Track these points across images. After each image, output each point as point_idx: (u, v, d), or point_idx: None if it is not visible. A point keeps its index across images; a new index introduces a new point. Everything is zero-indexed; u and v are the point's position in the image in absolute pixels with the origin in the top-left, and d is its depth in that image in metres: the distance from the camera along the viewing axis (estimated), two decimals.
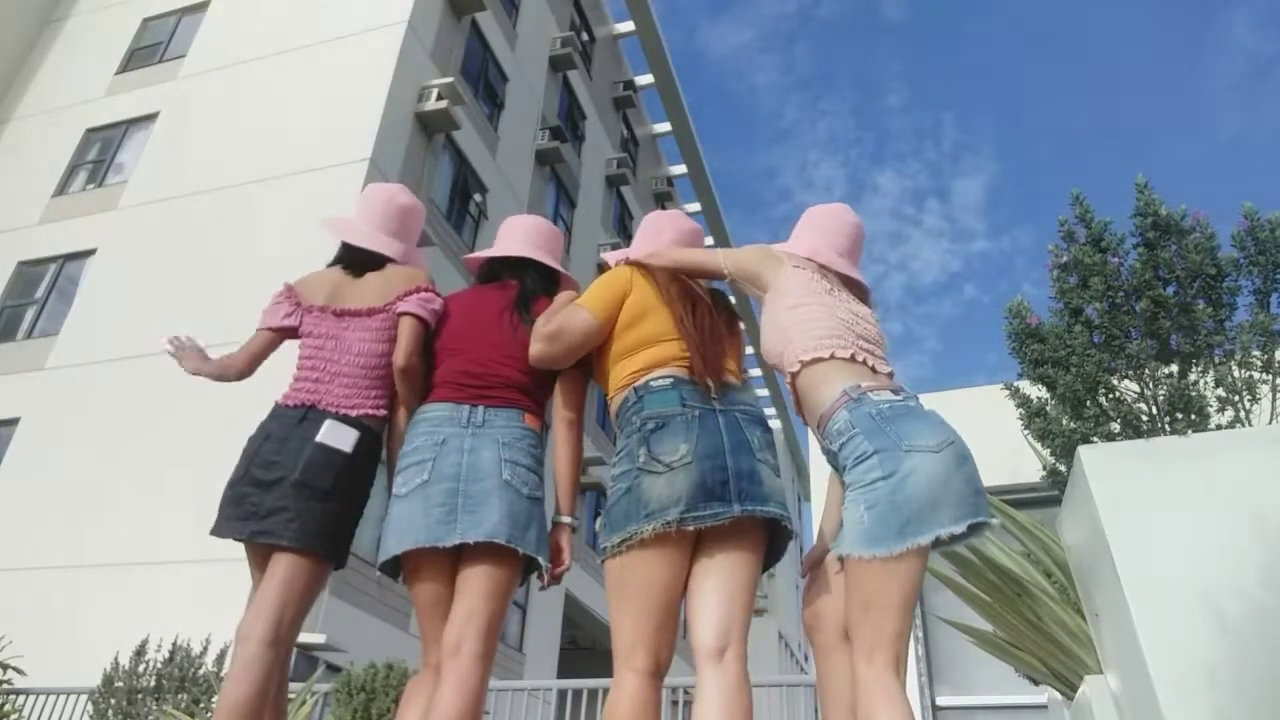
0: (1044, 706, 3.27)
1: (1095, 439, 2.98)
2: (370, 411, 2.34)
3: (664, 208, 26.03)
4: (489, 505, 2.06)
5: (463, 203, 14.60)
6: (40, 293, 13.19)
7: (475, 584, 2.10)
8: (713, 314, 2.18)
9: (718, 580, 1.85)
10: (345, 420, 2.29)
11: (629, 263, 2.32)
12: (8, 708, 7.26)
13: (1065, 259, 3.10)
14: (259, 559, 2.26)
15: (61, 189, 14.35)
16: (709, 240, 28.84)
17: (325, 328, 2.46)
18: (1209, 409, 2.84)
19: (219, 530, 2.25)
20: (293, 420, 2.32)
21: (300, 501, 2.17)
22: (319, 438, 2.23)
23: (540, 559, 2.12)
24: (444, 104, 13.28)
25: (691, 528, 1.82)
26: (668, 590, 1.85)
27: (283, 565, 2.17)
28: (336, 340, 2.42)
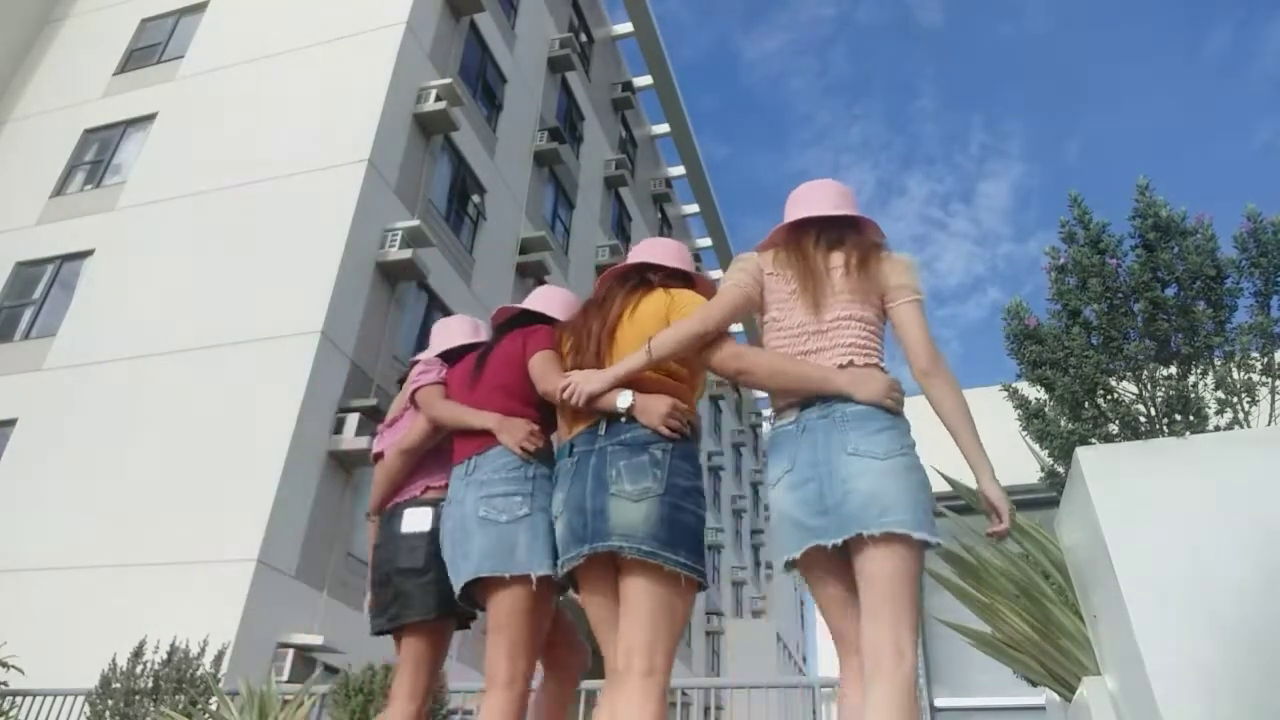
0: (1042, 708, 3.27)
1: (1093, 440, 2.98)
2: (432, 484, 2.64)
3: (662, 209, 26.12)
4: (471, 543, 2.28)
5: (461, 204, 14.60)
6: (38, 293, 13.17)
7: (490, 616, 2.37)
8: (601, 342, 2.32)
9: (622, 608, 2.08)
10: (419, 503, 2.61)
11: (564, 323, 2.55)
12: (6, 708, 7.25)
13: (1063, 260, 3.10)
14: (399, 644, 2.65)
15: (59, 189, 14.34)
16: (706, 241, 28.86)
17: (385, 443, 2.83)
18: (1208, 411, 2.84)
19: (373, 630, 2.68)
20: (386, 521, 2.67)
21: (407, 583, 2.53)
22: (402, 530, 2.58)
23: (538, 572, 2.23)
24: (442, 105, 13.28)
25: (565, 570, 2.16)
26: (594, 620, 2.18)
27: (408, 643, 2.57)
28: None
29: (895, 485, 1.93)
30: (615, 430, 2.15)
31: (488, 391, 2.46)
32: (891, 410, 2.03)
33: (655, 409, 2.13)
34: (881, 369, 2.11)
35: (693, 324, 2.20)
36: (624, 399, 2.15)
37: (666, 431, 2.12)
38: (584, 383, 2.20)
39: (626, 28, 23.01)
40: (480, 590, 2.32)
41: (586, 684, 6.39)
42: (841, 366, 2.08)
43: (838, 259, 2.19)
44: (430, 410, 2.54)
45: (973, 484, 3.23)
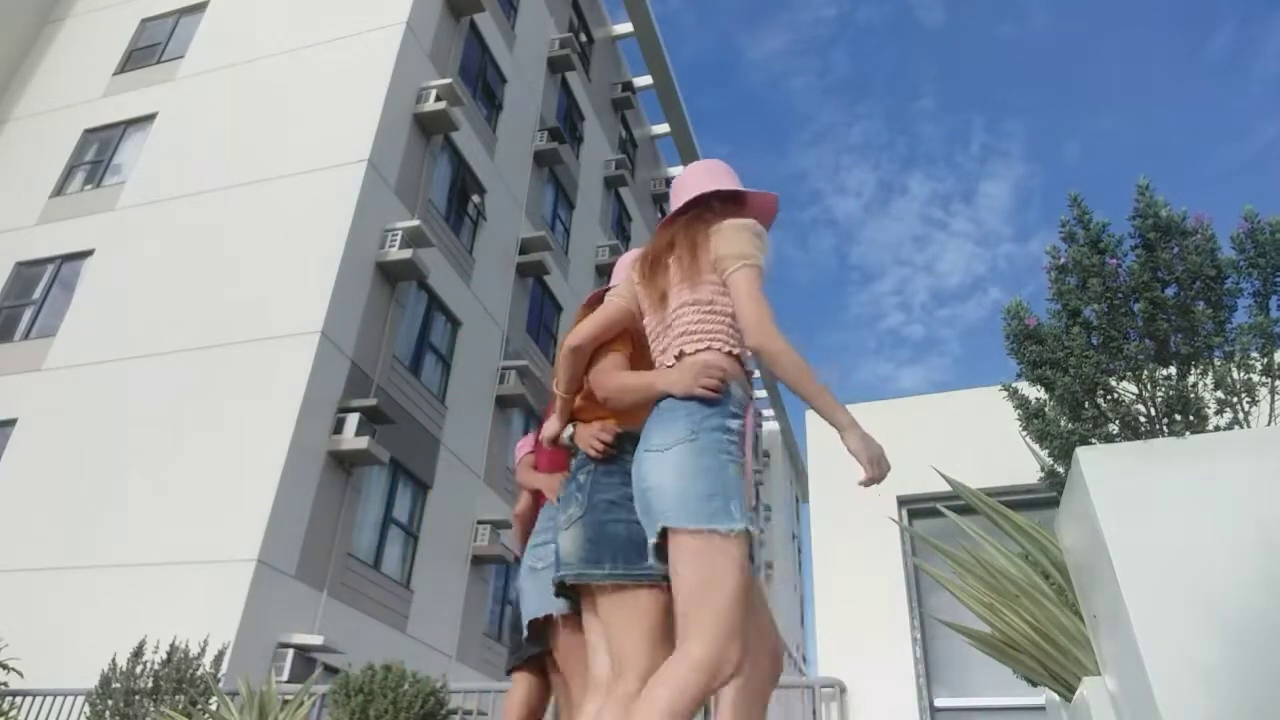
0: (1042, 708, 3.27)
1: (1093, 440, 2.98)
2: None
3: (663, 210, 26.10)
4: None
5: (461, 204, 14.60)
6: (38, 293, 13.17)
7: None
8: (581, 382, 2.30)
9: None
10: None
11: None
12: (6, 708, 7.25)
13: (1063, 260, 3.10)
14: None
15: (59, 189, 14.34)
16: None
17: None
18: (1207, 411, 2.84)
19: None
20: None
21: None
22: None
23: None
24: (442, 105, 13.29)
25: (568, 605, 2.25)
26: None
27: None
28: None
29: (670, 474, 1.80)
30: (603, 468, 2.15)
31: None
32: (705, 398, 1.87)
33: (584, 437, 2.15)
34: (720, 350, 1.97)
35: (566, 340, 2.19)
36: (565, 436, 2.21)
37: (593, 454, 2.11)
38: (546, 430, 2.29)
39: (626, 28, 23.02)
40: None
41: None
42: (677, 359, 1.98)
43: (677, 247, 2.10)
44: None
45: (973, 484, 3.24)
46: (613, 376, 2.13)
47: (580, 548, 2.01)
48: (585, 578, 1.99)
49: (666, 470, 1.81)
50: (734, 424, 1.86)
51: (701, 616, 1.69)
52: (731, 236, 2.00)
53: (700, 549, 1.74)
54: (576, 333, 2.19)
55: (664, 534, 1.80)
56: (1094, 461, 2.43)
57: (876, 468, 1.82)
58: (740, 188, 2.20)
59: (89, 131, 14.88)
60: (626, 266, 2.35)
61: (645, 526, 1.86)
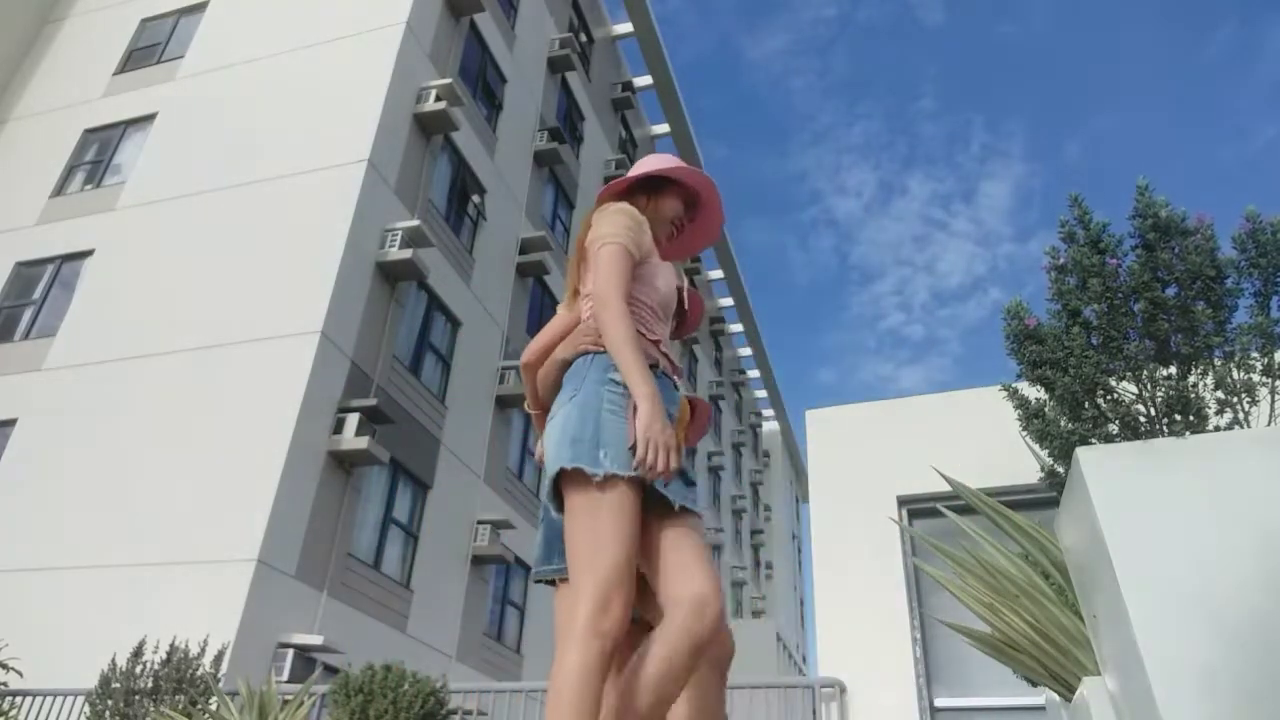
0: (1042, 708, 3.27)
1: (1093, 440, 2.98)
2: None
3: None
4: None
5: (461, 204, 14.60)
6: (38, 293, 13.18)
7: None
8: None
9: None
10: None
11: None
12: (6, 708, 7.25)
13: (1063, 260, 3.10)
14: None
15: (59, 189, 14.34)
16: None
17: None
18: (1208, 411, 2.84)
19: None
20: None
21: None
22: None
23: None
24: (442, 105, 13.29)
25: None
26: None
27: None
28: None
29: (554, 430, 1.87)
30: None
31: None
32: (587, 359, 1.96)
33: None
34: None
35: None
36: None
37: None
38: (538, 449, 2.42)
39: (626, 28, 23.03)
40: None
41: None
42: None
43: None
44: None
45: (973, 484, 3.24)
46: (543, 372, 2.21)
47: (539, 548, 2.15)
48: (541, 574, 2.14)
49: (553, 428, 1.88)
50: (616, 376, 1.88)
51: (578, 581, 1.71)
52: (599, 222, 2.09)
53: (571, 495, 1.79)
54: (528, 349, 2.27)
55: (558, 488, 1.84)
56: (1094, 461, 2.43)
57: (647, 449, 1.74)
58: (657, 170, 2.25)
59: (89, 131, 14.88)
60: None
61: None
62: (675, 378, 2.12)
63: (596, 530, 1.73)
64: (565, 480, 1.81)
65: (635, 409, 1.81)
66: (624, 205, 2.13)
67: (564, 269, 18.13)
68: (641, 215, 2.14)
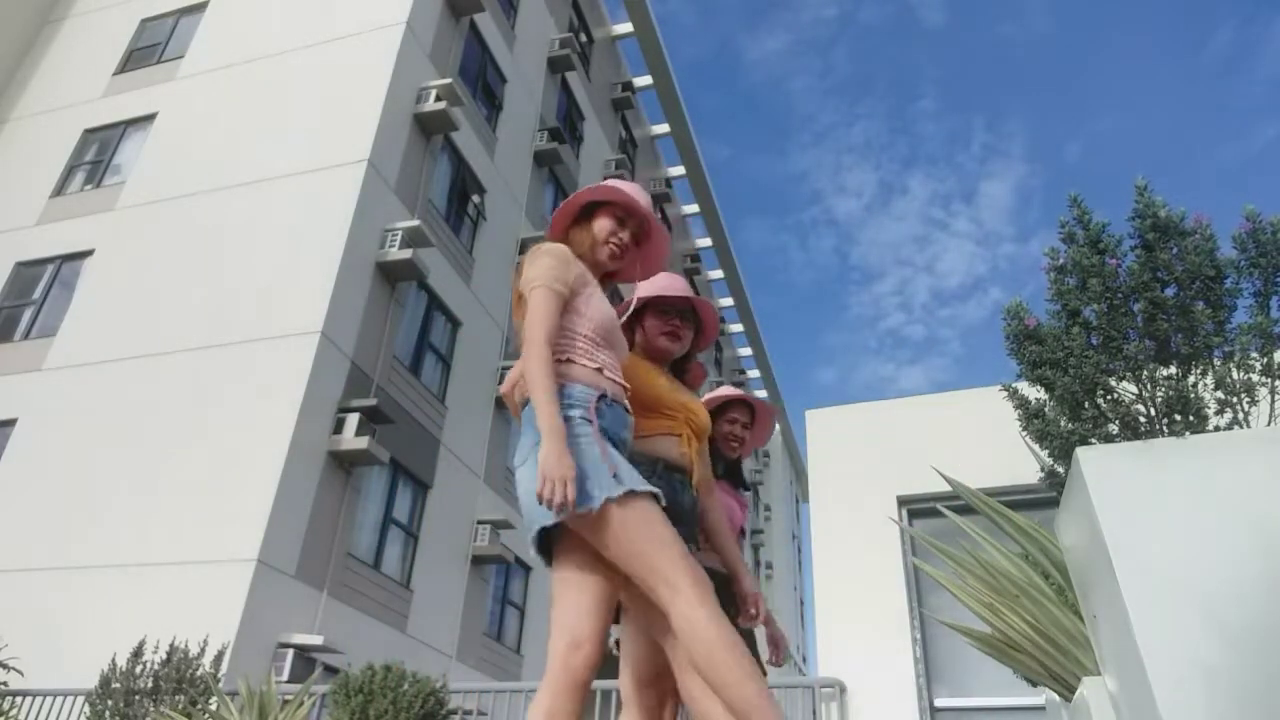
0: (1042, 708, 3.27)
1: (1093, 440, 2.98)
2: None
3: (662, 210, 26.16)
4: None
5: (461, 204, 14.60)
6: (38, 293, 13.18)
7: None
8: None
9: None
10: None
11: None
12: (6, 708, 7.26)
13: (1063, 260, 3.10)
14: None
15: (59, 189, 14.34)
16: (706, 241, 28.89)
17: None
18: (1207, 411, 2.84)
19: None
20: None
21: None
22: None
23: None
24: (442, 105, 13.29)
25: None
26: None
27: None
28: None
29: (526, 484, 1.97)
30: None
31: None
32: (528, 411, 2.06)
33: None
34: (565, 360, 2.12)
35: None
36: None
37: None
38: None
39: (626, 28, 23.03)
40: None
41: (600, 684, 6.39)
42: None
43: None
44: None
45: (973, 484, 3.24)
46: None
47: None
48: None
49: (525, 478, 1.98)
50: (570, 412, 2.00)
51: (666, 579, 1.85)
52: (527, 266, 2.20)
53: (589, 535, 1.92)
54: (506, 379, 2.30)
55: (542, 534, 1.96)
56: (1094, 461, 2.43)
57: (545, 486, 1.83)
58: (571, 198, 2.38)
59: (89, 131, 14.88)
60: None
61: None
62: (626, 401, 2.19)
63: (642, 538, 1.87)
64: (573, 524, 1.91)
65: (600, 431, 1.98)
66: (549, 245, 2.23)
67: None
68: (567, 249, 2.23)
